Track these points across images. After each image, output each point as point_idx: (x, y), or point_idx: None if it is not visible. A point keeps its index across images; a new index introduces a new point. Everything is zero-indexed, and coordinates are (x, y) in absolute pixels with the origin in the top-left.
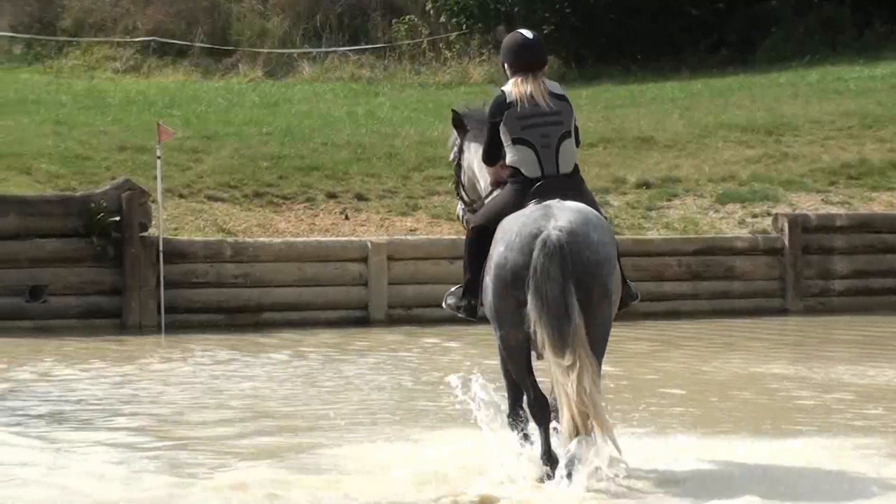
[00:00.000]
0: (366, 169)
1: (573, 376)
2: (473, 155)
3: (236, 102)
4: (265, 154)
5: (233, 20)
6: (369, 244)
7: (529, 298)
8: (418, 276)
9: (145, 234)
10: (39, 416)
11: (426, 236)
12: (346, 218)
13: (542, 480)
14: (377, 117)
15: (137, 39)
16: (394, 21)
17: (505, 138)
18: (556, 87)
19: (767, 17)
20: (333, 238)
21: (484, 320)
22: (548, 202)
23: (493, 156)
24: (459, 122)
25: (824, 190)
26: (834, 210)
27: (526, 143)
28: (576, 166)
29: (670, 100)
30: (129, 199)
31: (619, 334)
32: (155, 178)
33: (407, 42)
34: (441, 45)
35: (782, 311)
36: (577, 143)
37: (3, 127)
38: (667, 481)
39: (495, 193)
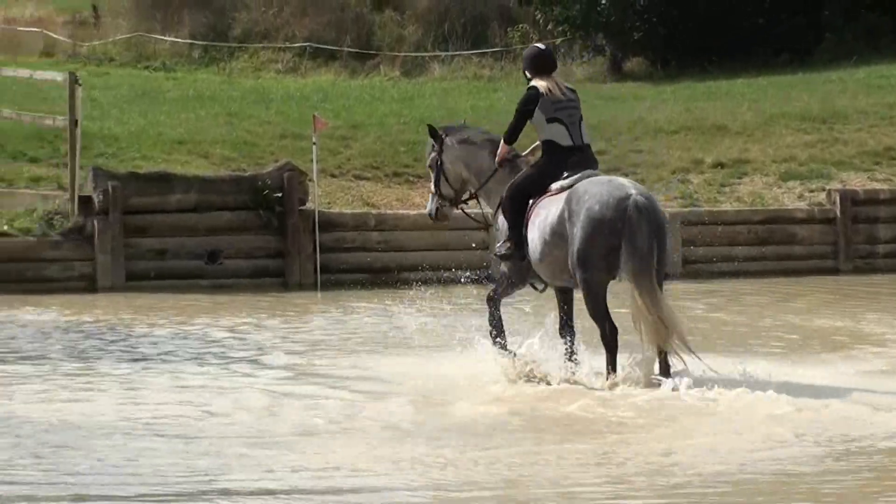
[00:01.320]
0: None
1: (657, 299)
2: (459, 150)
3: (378, 97)
4: (403, 140)
5: (375, 28)
6: (490, 215)
7: (624, 244)
8: None
9: (303, 207)
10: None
11: None
12: (471, 194)
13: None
14: (496, 110)
15: (295, 45)
16: (509, 29)
17: (540, 119)
18: (566, 84)
19: (822, 26)
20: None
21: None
22: (596, 173)
23: (516, 136)
24: (434, 133)
25: (870, 169)
26: (878, 186)
27: (559, 121)
28: (590, 142)
29: (740, 94)
30: (289, 179)
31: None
32: (311, 160)
33: (520, 46)
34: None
35: (835, 271)
36: (584, 123)
37: (185, 119)
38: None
39: (520, 168)
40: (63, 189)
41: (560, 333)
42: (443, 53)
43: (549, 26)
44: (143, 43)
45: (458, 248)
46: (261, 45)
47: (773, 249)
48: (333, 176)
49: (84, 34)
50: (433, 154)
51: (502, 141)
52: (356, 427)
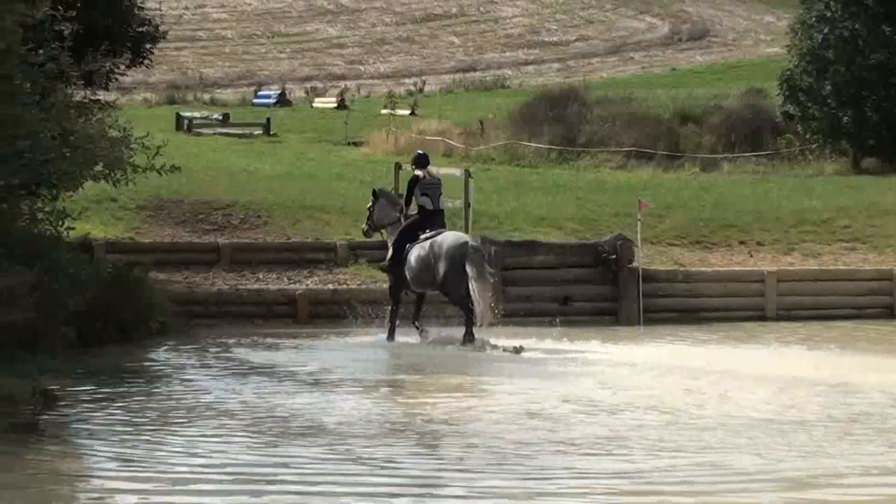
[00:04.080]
0: (761, 225)
1: (486, 296)
2: (385, 205)
3: (684, 187)
4: (702, 218)
5: (681, 137)
6: (765, 272)
7: (468, 266)
8: (797, 289)
9: (631, 265)
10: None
11: (803, 267)
12: (751, 256)
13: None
14: (767, 196)
15: (623, 149)
16: (778, 137)
17: (417, 193)
18: (436, 172)
19: None
20: (742, 268)
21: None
22: (446, 230)
23: (409, 202)
24: (374, 193)
25: None
26: None
27: (427, 195)
28: (444, 208)
29: None
30: (621, 245)
31: None
32: (636, 232)
33: (786, 149)
34: (807, 151)
35: None
36: (443, 196)
37: (545, 201)
38: None
39: (410, 218)
40: None
41: (413, 319)
42: (730, 155)
43: (808, 136)
44: (515, 147)
45: (740, 296)
46: (599, 149)
47: None
48: (652, 243)
49: (473, 141)
50: (371, 205)
51: (404, 203)
52: None
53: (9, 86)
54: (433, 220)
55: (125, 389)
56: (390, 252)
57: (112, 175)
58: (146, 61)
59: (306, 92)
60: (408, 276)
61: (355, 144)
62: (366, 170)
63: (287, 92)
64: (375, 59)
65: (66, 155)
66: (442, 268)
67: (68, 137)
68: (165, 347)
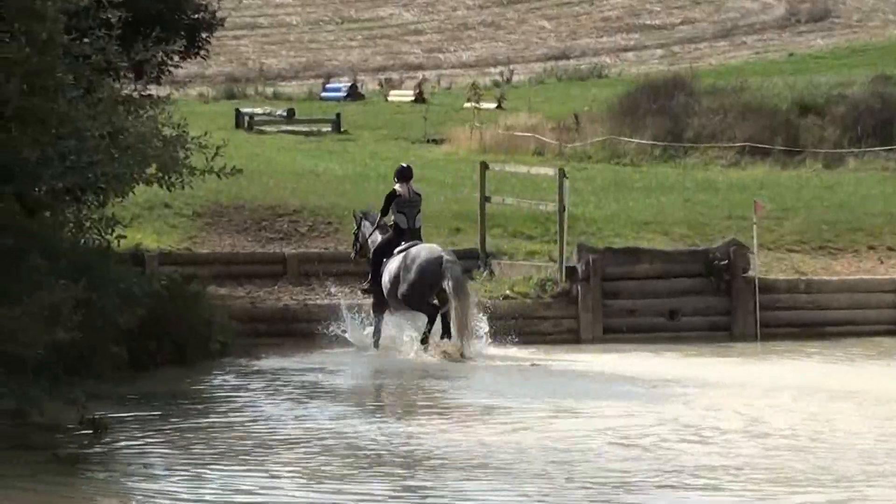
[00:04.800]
0: (893, 227)
1: (466, 309)
2: (368, 227)
3: (804, 186)
4: (826, 220)
5: (801, 130)
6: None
7: (446, 282)
8: None
9: (746, 274)
10: None
11: None
12: (881, 262)
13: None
14: None
15: (737, 144)
16: None
17: (393, 209)
18: (417, 188)
19: None
20: (871, 276)
21: None
22: (421, 243)
23: (385, 215)
24: (356, 216)
25: None
26: None
27: (403, 213)
28: (420, 225)
29: None
30: (735, 252)
31: None
32: (752, 237)
33: None
34: None
35: None
36: (420, 214)
37: (649, 204)
38: None
39: (384, 237)
40: (553, 261)
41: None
42: (856, 150)
43: None
44: (614, 144)
45: (870, 307)
46: (708, 144)
47: None
48: (770, 249)
49: (567, 137)
50: (356, 225)
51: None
52: None
53: (51, 79)
54: (408, 239)
55: (180, 417)
56: (370, 274)
57: (166, 178)
58: (202, 51)
59: (380, 84)
60: (384, 294)
61: (435, 142)
62: (448, 170)
63: (359, 84)
64: (457, 47)
65: (115, 156)
66: (410, 279)
67: (117, 137)
68: (225, 370)
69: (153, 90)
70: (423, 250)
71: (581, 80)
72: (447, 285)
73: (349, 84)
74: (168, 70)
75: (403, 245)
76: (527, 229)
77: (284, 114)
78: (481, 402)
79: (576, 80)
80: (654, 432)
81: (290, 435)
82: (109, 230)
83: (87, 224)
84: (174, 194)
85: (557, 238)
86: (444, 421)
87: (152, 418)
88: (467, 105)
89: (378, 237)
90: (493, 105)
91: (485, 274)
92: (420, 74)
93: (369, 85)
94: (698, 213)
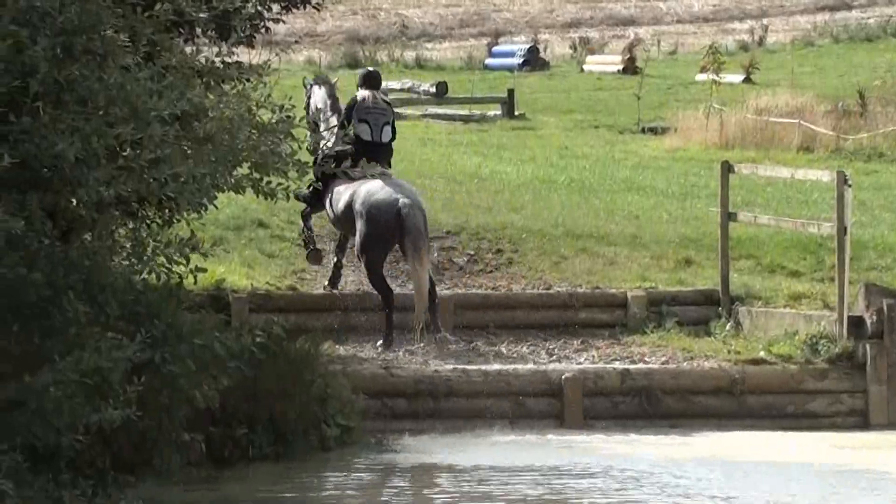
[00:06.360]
0: None
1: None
2: (317, 94)
3: None
4: None
5: None
6: None
7: (406, 239)
8: None
9: None
10: None
11: None
12: None
13: None
14: None
15: None
16: None
17: (354, 118)
18: (385, 96)
19: None
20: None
21: None
22: (380, 176)
23: (347, 123)
24: (305, 84)
25: None
26: None
27: (366, 121)
28: (390, 140)
29: None
30: None
31: None
32: None
33: None
34: None
35: None
36: (394, 130)
37: None
38: None
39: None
40: (829, 308)
41: (335, 251)
42: None
43: None
44: None
45: None
46: None
47: None
48: None
49: (848, 126)
50: (306, 98)
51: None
52: None
53: (96, 40)
54: (370, 154)
55: None
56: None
57: (263, 183)
58: (312, 0)
59: (573, 46)
60: (329, 214)
61: (654, 131)
62: (672, 172)
63: (541, 47)
64: None
65: (188, 151)
66: (360, 229)
67: (192, 122)
68: (348, 468)
69: (244, 55)
70: (377, 189)
71: (868, 41)
72: (407, 242)
73: (527, 47)
74: (265, 26)
75: (358, 173)
76: (790, 262)
77: (432, 89)
78: None
79: (860, 40)
80: None
81: None
82: (181, 260)
83: (149, 251)
84: (274, 207)
85: (836, 275)
86: None
87: None
88: (701, 77)
89: (332, 144)
90: (738, 77)
91: (728, 326)
92: (631, 32)
93: (556, 48)
94: None
